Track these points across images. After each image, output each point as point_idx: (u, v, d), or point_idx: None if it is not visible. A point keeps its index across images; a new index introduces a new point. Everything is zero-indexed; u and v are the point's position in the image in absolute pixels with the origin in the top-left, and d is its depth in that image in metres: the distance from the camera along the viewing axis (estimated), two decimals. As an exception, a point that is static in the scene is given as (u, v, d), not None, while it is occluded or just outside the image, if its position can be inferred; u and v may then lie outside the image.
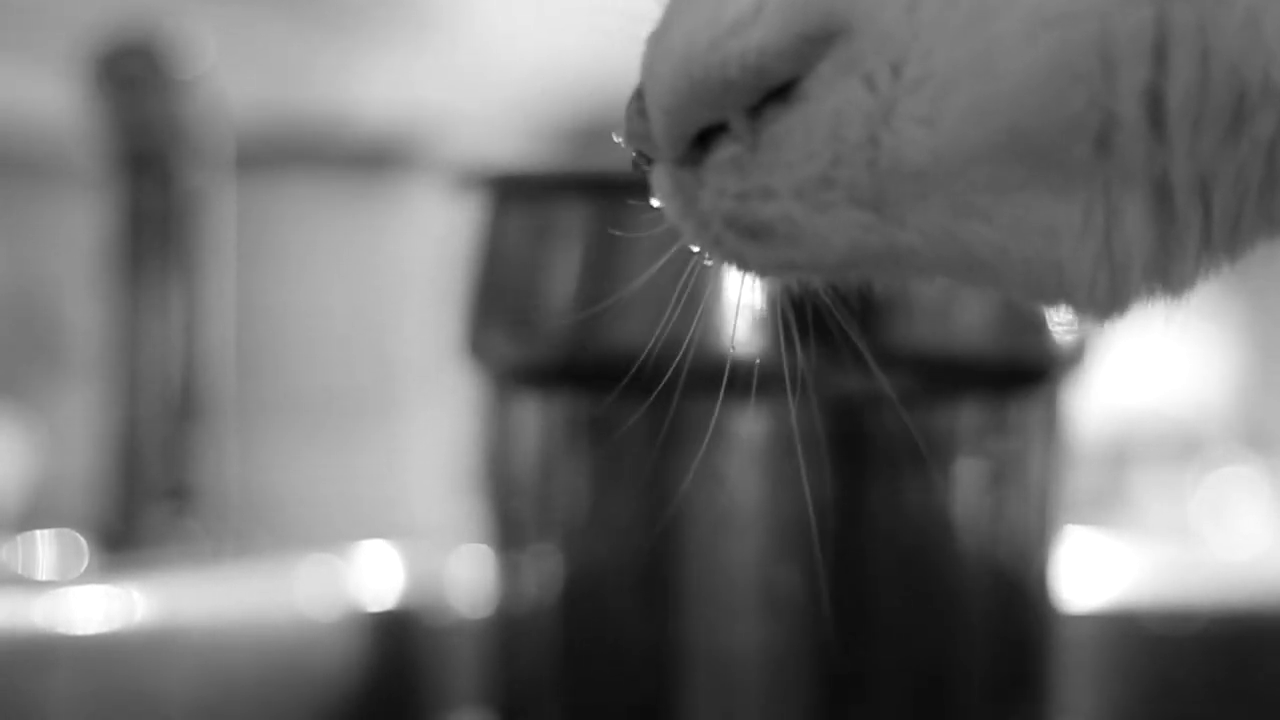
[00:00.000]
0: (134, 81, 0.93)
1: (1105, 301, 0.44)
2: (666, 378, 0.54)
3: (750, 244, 0.45)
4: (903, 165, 0.42)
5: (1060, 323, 0.70)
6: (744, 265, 0.46)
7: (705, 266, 0.49)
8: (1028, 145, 0.42)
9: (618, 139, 0.47)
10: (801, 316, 0.56)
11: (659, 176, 0.46)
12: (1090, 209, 0.43)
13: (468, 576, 0.82)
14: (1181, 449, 2.02)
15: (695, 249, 0.47)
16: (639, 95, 0.45)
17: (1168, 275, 0.44)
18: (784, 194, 0.43)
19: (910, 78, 0.42)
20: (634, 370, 0.55)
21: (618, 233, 0.67)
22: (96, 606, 0.78)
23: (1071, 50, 0.41)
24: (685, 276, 0.50)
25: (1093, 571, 0.88)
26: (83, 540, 0.91)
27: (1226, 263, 0.44)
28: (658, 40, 0.45)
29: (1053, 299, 0.45)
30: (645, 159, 0.47)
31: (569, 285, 0.70)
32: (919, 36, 0.42)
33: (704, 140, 0.45)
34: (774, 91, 0.44)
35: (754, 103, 0.44)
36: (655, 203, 0.47)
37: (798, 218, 0.43)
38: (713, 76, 0.43)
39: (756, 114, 0.44)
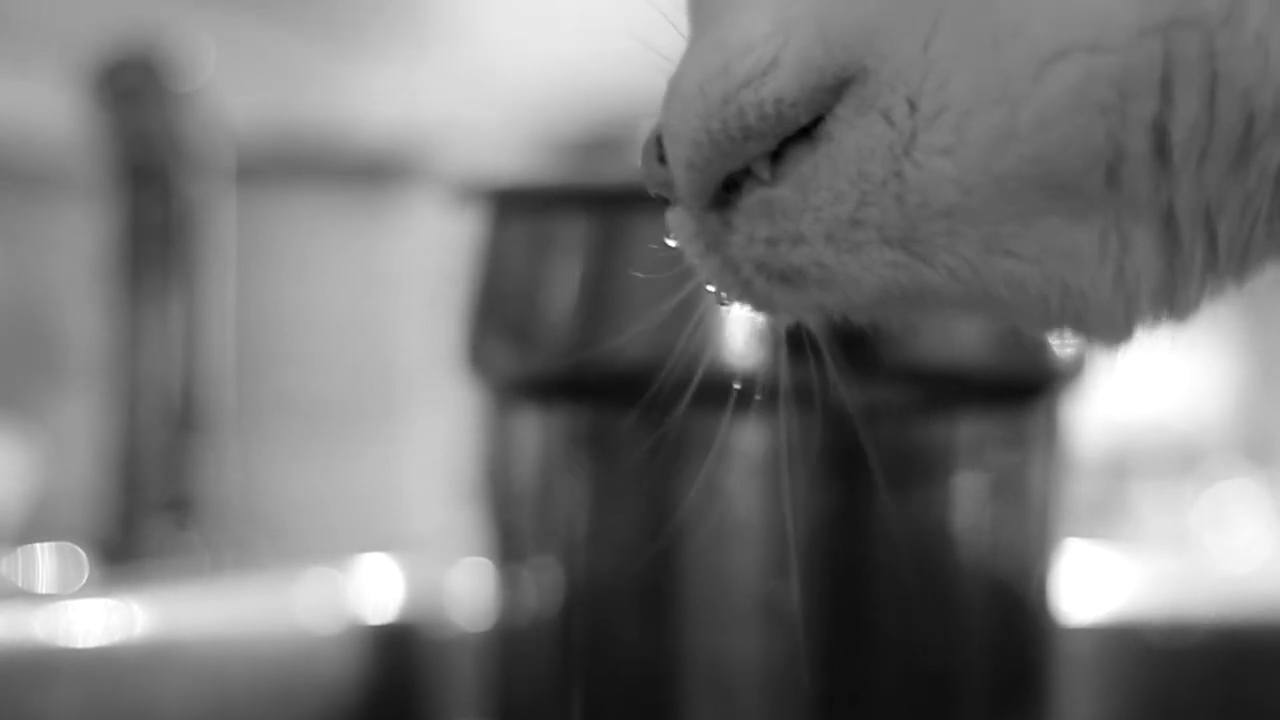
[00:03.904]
0: (134, 93, 0.93)
1: (1117, 329, 0.45)
2: (667, 391, 0.54)
3: (781, 288, 0.45)
4: (929, 199, 0.43)
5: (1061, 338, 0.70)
6: (773, 309, 0.46)
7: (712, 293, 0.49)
8: (1047, 173, 0.42)
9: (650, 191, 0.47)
10: (801, 331, 0.56)
11: (677, 218, 0.47)
12: (1106, 235, 0.43)
13: (468, 589, 0.81)
14: (1181, 461, 2.02)
15: (712, 290, 0.47)
16: (658, 141, 0.46)
17: (1174, 301, 0.44)
18: (814, 239, 0.44)
19: (927, 110, 0.42)
20: (635, 383, 0.55)
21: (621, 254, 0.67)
22: (96, 619, 0.78)
23: (1094, 81, 0.41)
24: (685, 292, 0.50)
25: (1093, 584, 0.88)
26: (82, 553, 0.91)
27: (1233, 287, 0.45)
28: (674, 90, 0.45)
29: (1066, 328, 0.45)
30: (664, 201, 0.47)
31: (569, 298, 0.70)
32: (933, 71, 0.42)
33: (728, 185, 0.45)
34: (790, 135, 0.44)
35: (773, 148, 0.44)
36: (671, 243, 0.47)
37: (829, 261, 0.44)
38: (732, 127, 0.44)
39: (777, 156, 0.44)
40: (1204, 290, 0.45)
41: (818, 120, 0.44)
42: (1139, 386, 2.01)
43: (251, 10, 1.62)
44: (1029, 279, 0.44)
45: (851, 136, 0.43)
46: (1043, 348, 0.71)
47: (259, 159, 1.30)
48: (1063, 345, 0.71)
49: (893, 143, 0.43)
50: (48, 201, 1.48)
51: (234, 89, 1.03)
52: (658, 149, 0.46)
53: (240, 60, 1.48)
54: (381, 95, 1.73)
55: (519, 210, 0.73)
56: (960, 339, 0.69)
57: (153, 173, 0.93)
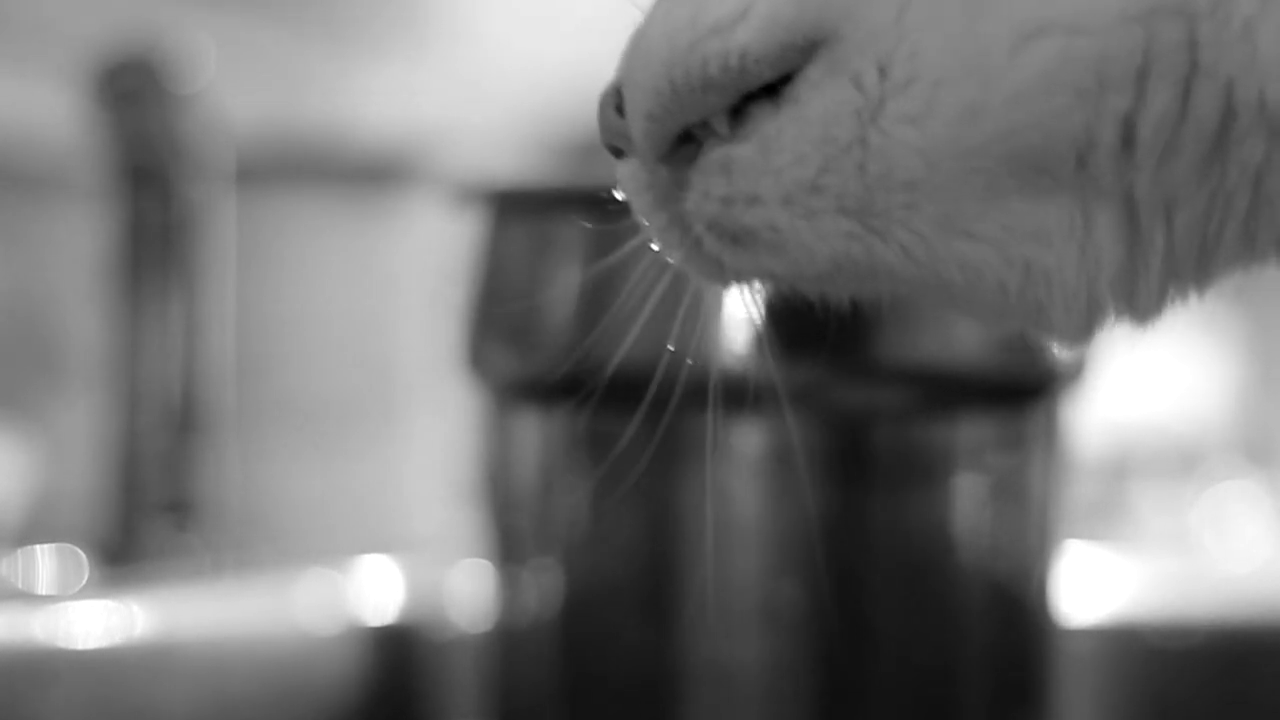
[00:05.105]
0: (134, 95, 0.93)
1: (1077, 320, 0.44)
2: (666, 393, 0.54)
3: (731, 250, 0.44)
4: (892, 169, 0.42)
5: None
6: (718, 272, 0.46)
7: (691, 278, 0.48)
8: (1016, 152, 0.42)
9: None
10: (800, 331, 0.56)
11: (628, 171, 0.46)
12: (1072, 214, 0.42)
13: (467, 591, 0.81)
14: (1181, 462, 2.02)
15: (656, 247, 0.46)
16: (616, 91, 0.45)
17: (1134, 298, 0.44)
18: (770, 201, 0.43)
19: (898, 78, 0.42)
20: (635, 385, 0.55)
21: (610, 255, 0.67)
22: (96, 621, 0.78)
23: (1072, 64, 0.41)
24: (686, 292, 0.50)
25: (1093, 585, 0.88)
26: (82, 555, 0.91)
27: (1194, 291, 0.44)
28: (638, 41, 0.44)
29: (1021, 320, 0.45)
30: (618, 153, 0.46)
31: (568, 300, 0.70)
32: (906, 39, 0.42)
33: (684, 140, 0.45)
34: (753, 93, 0.43)
35: (733, 102, 0.44)
36: (619, 196, 0.47)
37: (782, 225, 0.43)
38: (694, 77, 0.43)
39: (737, 113, 0.44)
40: (1165, 290, 0.44)
41: (783, 80, 0.43)
42: (1139, 388, 2.01)
43: (252, 12, 1.62)
44: (986, 263, 0.43)
45: (819, 100, 0.42)
46: (1043, 349, 0.71)
47: (259, 161, 1.30)
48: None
49: (860, 108, 0.42)
50: (48, 203, 1.48)
51: (234, 91, 1.03)
52: (616, 99, 0.45)
53: (240, 62, 1.48)
54: (381, 97, 1.73)
55: (519, 212, 0.73)
56: (960, 340, 0.69)
57: (153, 174, 0.93)
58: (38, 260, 1.49)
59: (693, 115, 0.44)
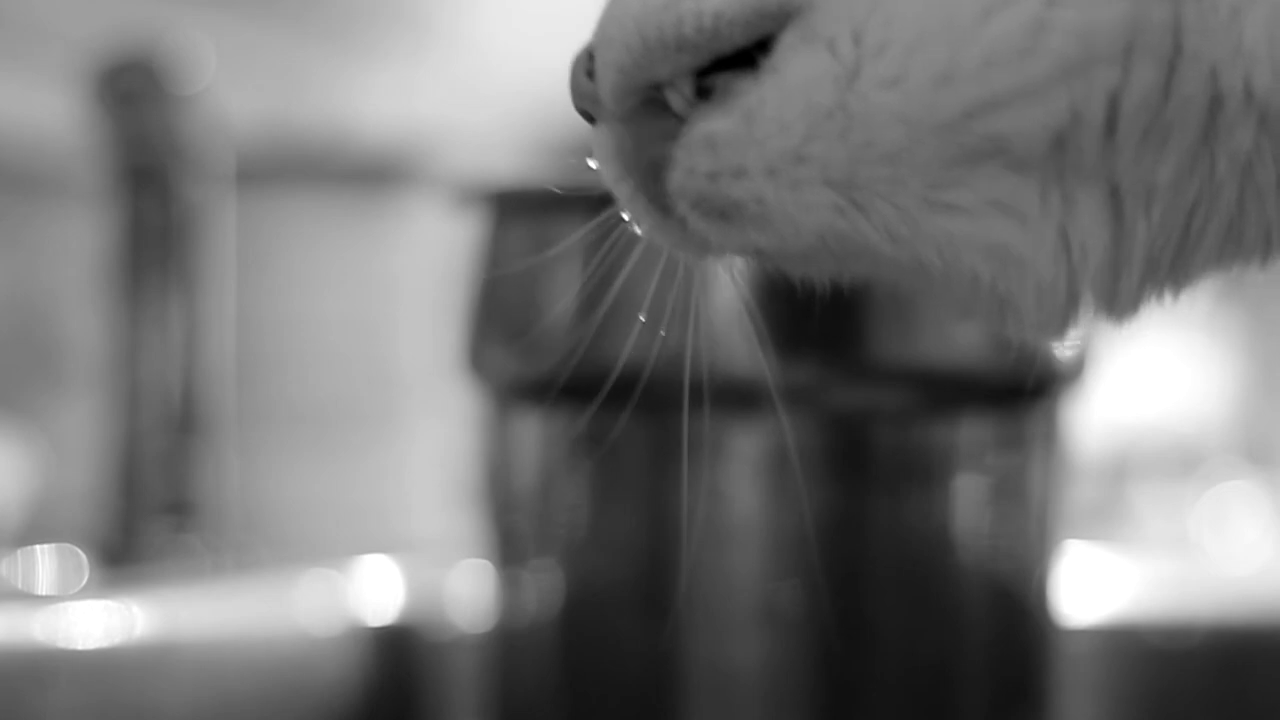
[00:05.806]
0: (134, 96, 0.93)
1: (1048, 316, 0.44)
2: (666, 393, 0.54)
3: (717, 225, 0.44)
4: (874, 138, 0.42)
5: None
6: (703, 247, 0.46)
7: (700, 278, 0.48)
8: (991, 126, 0.41)
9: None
10: (800, 331, 0.56)
11: (600, 137, 0.46)
12: (1050, 196, 0.42)
13: (468, 591, 0.81)
14: (1181, 463, 2.02)
15: (625, 216, 0.46)
16: (589, 55, 0.45)
17: (1115, 293, 0.43)
18: (756, 173, 0.43)
19: (871, 44, 0.42)
20: (635, 386, 0.55)
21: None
22: (96, 621, 0.78)
23: (1051, 32, 0.41)
24: (686, 291, 0.50)
25: (1093, 586, 0.88)
26: (82, 555, 0.91)
27: (1171, 288, 0.44)
28: (612, 1, 0.45)
29: (990, 313, 0.44)
30: (589, 118, 0.46)
31: (568, 300, 0.70)
32: (879, 5, 0.42)
33: (651, 102, 0.45)
34: (723, 59, 0.43)
35: (702, 65, 0.44)
36: (593, 164, 0.46)
37: (768, 197, 0.43)
38: (666, 34, 0.43)
39: (704, 77, 0.44)
40: (1144, 285, 0.43)
41: (757, 46, 0.43)
42: (1139, 388, 2.01)
43: (252, 14, 1.63)
44: (965, 243, 0.43)
45: (798, 66, 0.42)
46: (1043, 349, 0.71)
47: (259, 162, 1.30)
48: (1063, 346, 0.71)
49: (837, 75, 0.42)
50: (48, 205, 1.48)
51: (234, 92, 1.03)
52: (588, 63, 0.45)
53: (240, 63, 1.48)
54: (381, 98, 1.73)
55: (519, 212, 0.73)
56: (960, 340, 0.69)
57: (153, 176, 0.93)
58: (38, 260, 1.49)
59: (662, 72, 0.44)
